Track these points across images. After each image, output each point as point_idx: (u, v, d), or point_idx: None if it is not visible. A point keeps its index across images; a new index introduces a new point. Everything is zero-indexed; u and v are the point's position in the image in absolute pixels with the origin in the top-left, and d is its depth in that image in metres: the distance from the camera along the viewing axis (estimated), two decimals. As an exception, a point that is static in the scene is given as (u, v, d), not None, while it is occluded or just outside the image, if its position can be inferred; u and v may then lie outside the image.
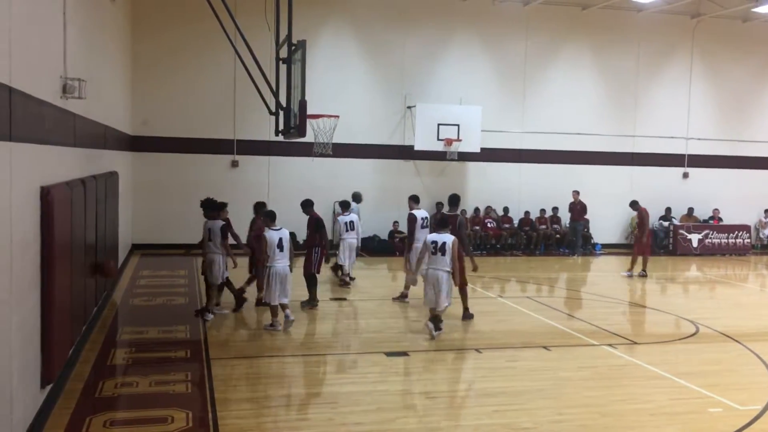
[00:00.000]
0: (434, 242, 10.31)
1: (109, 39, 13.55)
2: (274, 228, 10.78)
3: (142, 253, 17.85)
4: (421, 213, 13.14)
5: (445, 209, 13.29)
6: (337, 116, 16.93)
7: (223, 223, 11.29)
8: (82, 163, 9.52)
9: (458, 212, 12.31)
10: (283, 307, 10.66)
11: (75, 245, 8.12)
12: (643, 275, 16.76)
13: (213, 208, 11.32)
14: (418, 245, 12.36)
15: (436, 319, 10.37)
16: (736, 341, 10.59)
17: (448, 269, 10.19)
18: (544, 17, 21.08)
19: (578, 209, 20.36)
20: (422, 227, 12.83)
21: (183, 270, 15.61)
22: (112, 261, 10.82)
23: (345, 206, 14.74)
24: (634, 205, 17.50)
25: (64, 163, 8.16)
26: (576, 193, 20.33)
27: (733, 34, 22.48)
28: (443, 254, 10.19)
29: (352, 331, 11.20)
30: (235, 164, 19.38)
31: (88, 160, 10.16)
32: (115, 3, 13.94)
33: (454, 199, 12.39)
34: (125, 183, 15.73)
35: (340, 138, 17.65)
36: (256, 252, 11.55)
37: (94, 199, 9.81)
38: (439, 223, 10.74)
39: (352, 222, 14.28)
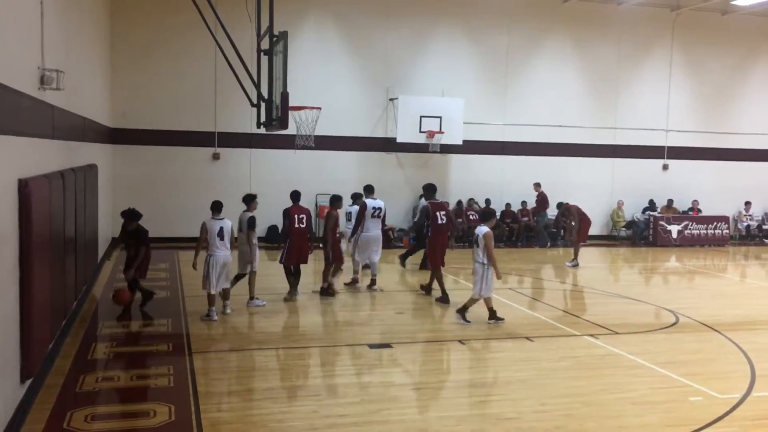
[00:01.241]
0: (475, 235, 10.81)
1: (88, 30, 13.38)
2: (217, 218, 10.91)
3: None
4: (374, 203, 13.45)
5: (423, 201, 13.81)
6: (320, 108, 16.85)
7: (251, 215, 11.53)
8: (60, 155, 9.40)
9: (438, 200, 13.00)
10: (225, 295, 11.04)
11: (54, 238, 8.02)
12: (574, 265, 17.02)
13: (246, 200, 11.70)
14: (366, 234, 13.18)
15: (464, 309, 10.86)
16: (716, 331, 10.72)
17: (481, 261, 10.51)
18: (526, 10, 21.12)
19: (539, 201, 20.46)
20: (372, 216, 13.29)
21: (164, 263, 15.49)
22: (128, 290, 10.89)
23: (369, 190, 13.93)
24: (560, 206, 18.12)
25: (42, 156, 8.05)
26: (537, 185, 20.38)
27: (713, 27, 22.67)
28: (477, 246, 10.57)
29: (335, 323, 11.19)
30: (216, 157, 19.24)
31: (67, 152, 10.04)
32: (94, -7, 13.76)
33: (431, 188, 13.04)
34: (105, 176, 15.58)
35: (322, 130, 17.57)
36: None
37: (73, 192, 9.70)
38: (481, 216, 11.62)
39: (379, 209, 13.50)
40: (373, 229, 13.39)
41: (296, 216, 12.07)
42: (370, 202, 13.39)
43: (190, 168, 18.87)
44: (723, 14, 22.40)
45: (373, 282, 13.40)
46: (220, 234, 10.77)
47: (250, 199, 11.70)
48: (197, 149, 19.09)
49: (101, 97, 15.98)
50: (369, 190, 13.90)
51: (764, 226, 23.35)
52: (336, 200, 12.74)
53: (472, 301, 10.80)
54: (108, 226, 16.76)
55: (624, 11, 21.66)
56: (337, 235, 12.72)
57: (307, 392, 7.81)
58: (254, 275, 11.70)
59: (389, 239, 18.57)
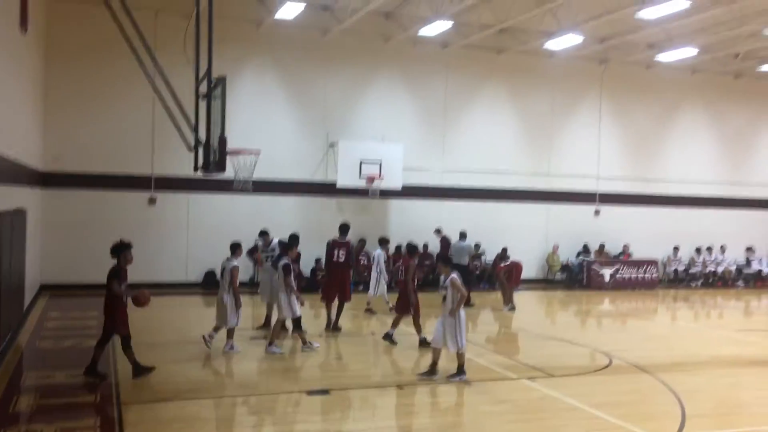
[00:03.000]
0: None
1: (19, 71, 13.09)
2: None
3: (52, 294, 17.06)
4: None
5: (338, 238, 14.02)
6: (258, 152, 16.81)
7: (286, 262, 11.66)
8: (-14, 198, 9.07)
9: (348, 240, 13.90)
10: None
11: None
12: (511, 308, 17.19)
13: (284, 247, 12.16)
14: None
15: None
16: (648, 372, 10.97)
17: (447, 312, 9.89)
18: (463, 60, 21.74)
19: (442, 246, 20.33)
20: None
21: (95, 311, 14.97)
22: (146, 291, 10.12)
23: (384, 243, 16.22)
24: (498, 256, 18.56)
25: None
26: (437, 231, 20.05)
27: (638, 80, 23.79)
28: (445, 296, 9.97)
29: (272, 369, 10.97)
30: (152, 201, 18.91)
31: (-7, 195, 9.70)
32: (27, 34, 13.50)
33: (344, 228, 13.86)
34: (34, 220, 15.08)
35: (262, 174, 17.47)
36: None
37: (-2, 237, 9.35)
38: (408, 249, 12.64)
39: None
40: None
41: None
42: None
43: (125, 212, 18.44)
44: (647, 68, 23.55)
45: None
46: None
47: (236, 247, 11.87)
48: (133, 193, 18.73)
49: (32, 139, 15.57)
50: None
51: (691, 270, 24.21)
52: (412, 249, 13.05)
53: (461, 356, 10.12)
54: (36, 272, 16.16)
55: (556, 63, 22.52)
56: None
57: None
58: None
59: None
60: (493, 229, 21.33)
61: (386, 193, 20.38)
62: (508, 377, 10.47)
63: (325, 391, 9.42)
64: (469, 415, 8.60)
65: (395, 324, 12.49)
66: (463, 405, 9.06)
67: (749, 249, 24.64)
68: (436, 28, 19.01)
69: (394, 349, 12.15)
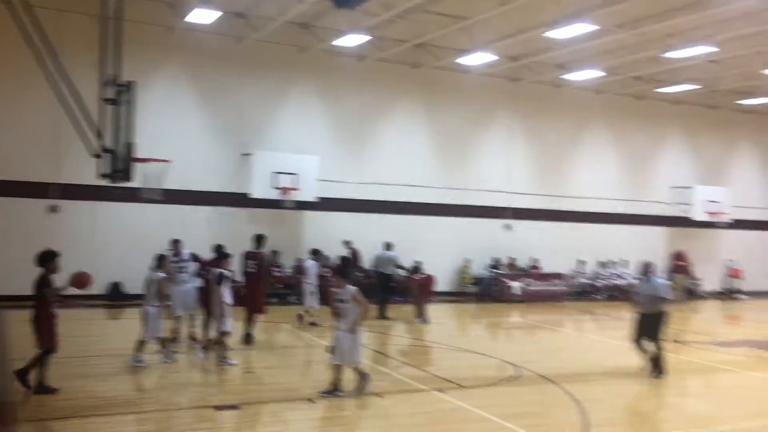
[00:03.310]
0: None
1: None
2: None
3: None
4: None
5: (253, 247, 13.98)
6: (168, 161, 16.39)
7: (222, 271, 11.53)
8: None
9: (261, 251, 13.75)
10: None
11: None
12: (423, 321, 17.42)
13: (219, 258, 11.87)
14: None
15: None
16: (554, 383, 11.27)
17: (346, 327, 9.63)
18: (379, 73, 21.92)
19: (353, 258, 20.32)
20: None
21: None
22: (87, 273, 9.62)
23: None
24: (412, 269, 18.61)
25: None
26: (346, 243, 20.04)
27: (548, 98, 24.63)
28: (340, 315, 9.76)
29: (180, 384, 10.62)
30: (54, 209, 18.04)
31: None
32: None
33: (258, 239, 13.76)
34: None
35: (174, 184, 17.06)
36: None
37: None
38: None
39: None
40: None
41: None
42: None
43: (23, 221, 17.53)
44: (556, 87, 24.42)
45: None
46: None
47: (161, 258, 11.66)
48: (31, 201, 17.81)
49: None
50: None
51: (595, 283, 25.16)
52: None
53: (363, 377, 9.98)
54: None
55: (469, 80, 23.02)
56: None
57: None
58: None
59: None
60: (407, 242, 21.48)
61: (302, 205, 20.23)
62: (420, 389, 10.53)
63: (234, 407, 9.20)
64: (382, 428, 8.58)
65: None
66: (376, 417, 9.03)
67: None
68: (353, 40, 19.12)
69: (310, 361, 12.01)
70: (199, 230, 18.58)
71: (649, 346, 11.94)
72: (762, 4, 16.01)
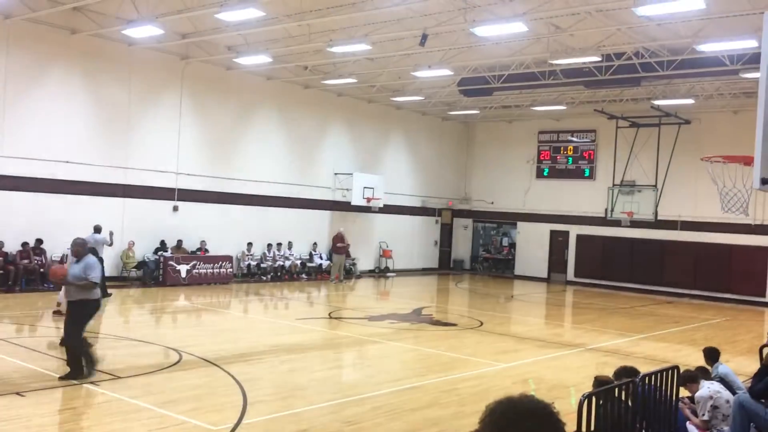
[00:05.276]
0: None
1: None
2: None
3: None
4: None
5: None
6: None
7: None
8: None
9: None
10: None
11: None
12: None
13: None
14: None
15: None
16: (216, 365, 11.27)
17: None
18: (29, 35, 19.52)
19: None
20: None
21: None
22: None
23: None
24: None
25: None
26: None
27: (218, 80, 24.42)
28: None
29: None
30: None
31: None
32: None
33: None
34: None
35: None
36: None
37: None
38: None
39: None
40: None
41: None
42: None
43: None
44: (227, 69, 24.31)
45: None
46: None
47: None
48: None
49: None
50: None
51: (262, 265, 25.81)
52: None
53: None
54: None
55: (135, 52, 21.72)
56: None
57: None
58: None
59: None
60: (59, 224, 19.61)
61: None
62: (70, 384, 9.68)
63: None
64: (22, 429, 7.68)
65: None
66: (16, 419, 8.05)
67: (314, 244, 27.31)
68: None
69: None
70: None
71: None
72: (409, 13, 17.81)
